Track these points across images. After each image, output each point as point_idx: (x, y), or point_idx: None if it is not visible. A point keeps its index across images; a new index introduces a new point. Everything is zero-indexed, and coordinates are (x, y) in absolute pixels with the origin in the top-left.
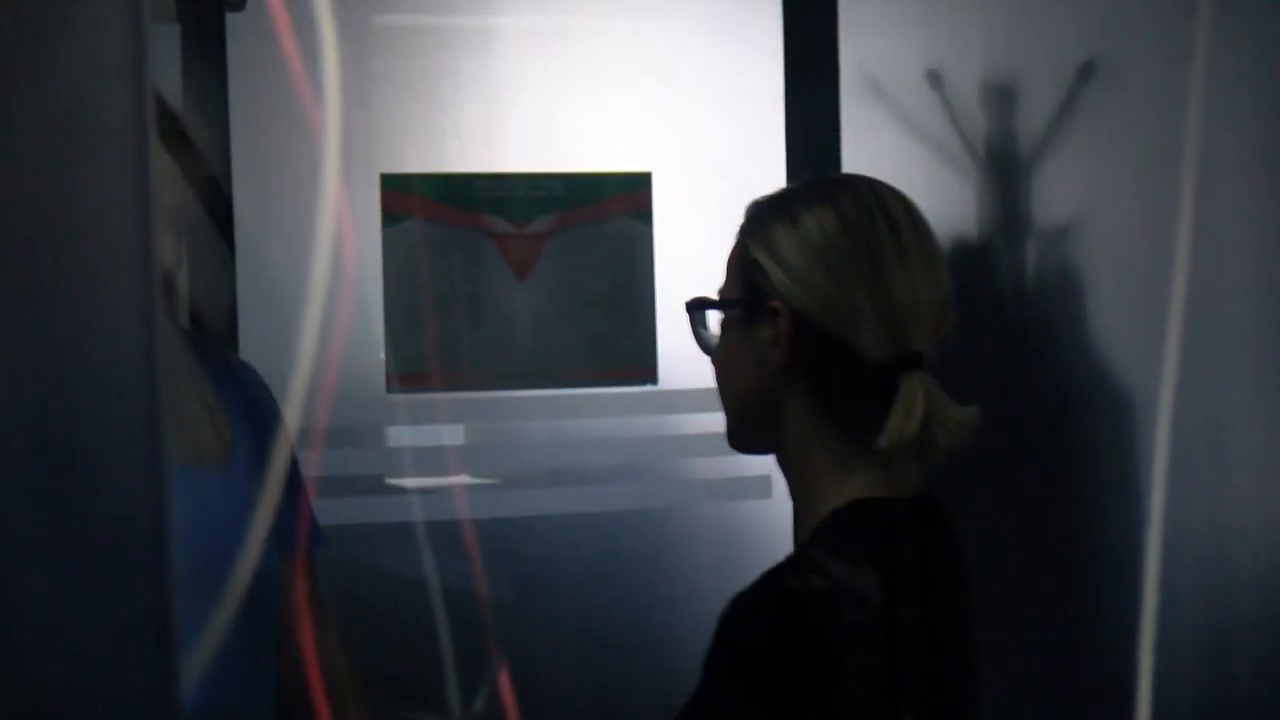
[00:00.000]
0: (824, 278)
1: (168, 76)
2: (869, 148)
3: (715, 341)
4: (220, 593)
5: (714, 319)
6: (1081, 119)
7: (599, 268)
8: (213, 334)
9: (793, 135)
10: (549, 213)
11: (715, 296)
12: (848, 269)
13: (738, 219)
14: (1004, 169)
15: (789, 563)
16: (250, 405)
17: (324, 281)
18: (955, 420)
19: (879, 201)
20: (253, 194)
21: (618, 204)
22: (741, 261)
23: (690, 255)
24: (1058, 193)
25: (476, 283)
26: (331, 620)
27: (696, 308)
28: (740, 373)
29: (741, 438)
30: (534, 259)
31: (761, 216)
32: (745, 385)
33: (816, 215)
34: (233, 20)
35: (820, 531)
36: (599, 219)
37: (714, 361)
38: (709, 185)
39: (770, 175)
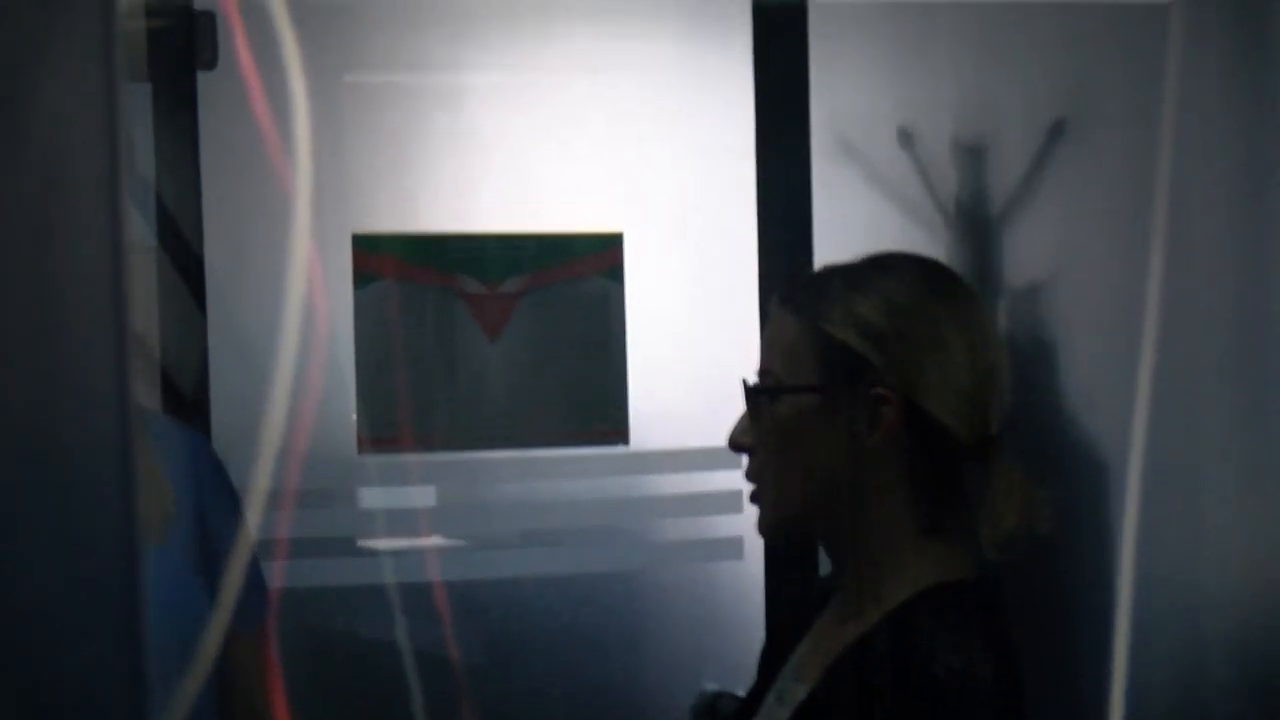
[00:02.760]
0: (928, 359)
1: (140, 135)
2: (840, 206)
3: (775, 426)
4: (159, 667)
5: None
6: (1053, 178)
7: (571, 327)
8: (183, 395)
9: (764, 193)
10: (520, 272)
11: (763, 375)
12: (947, 349)
13: (709, 277)
14: (975, 228)
15: (929, 642)
16: (196, 477)
17: (295, 342)
18: (1044, 512)
19: (949, 278)
20: (224, 253)
21: (590, 263)
22: (819, 344)
23: (662, 314)
24: (1029, 251)
25: (448, 343)
26: (279, 689)
27: (765, 394)
28: (823, 458)
29: (801, 522)
30: (505, 319)
31: (836, 296)
32: (828, 470)
33: (904, 294)
34: (204, 79)
35: (920, 612)
36: (571, 278)
37: (775, 445)
38: (680, 244)
39: (741, 234)
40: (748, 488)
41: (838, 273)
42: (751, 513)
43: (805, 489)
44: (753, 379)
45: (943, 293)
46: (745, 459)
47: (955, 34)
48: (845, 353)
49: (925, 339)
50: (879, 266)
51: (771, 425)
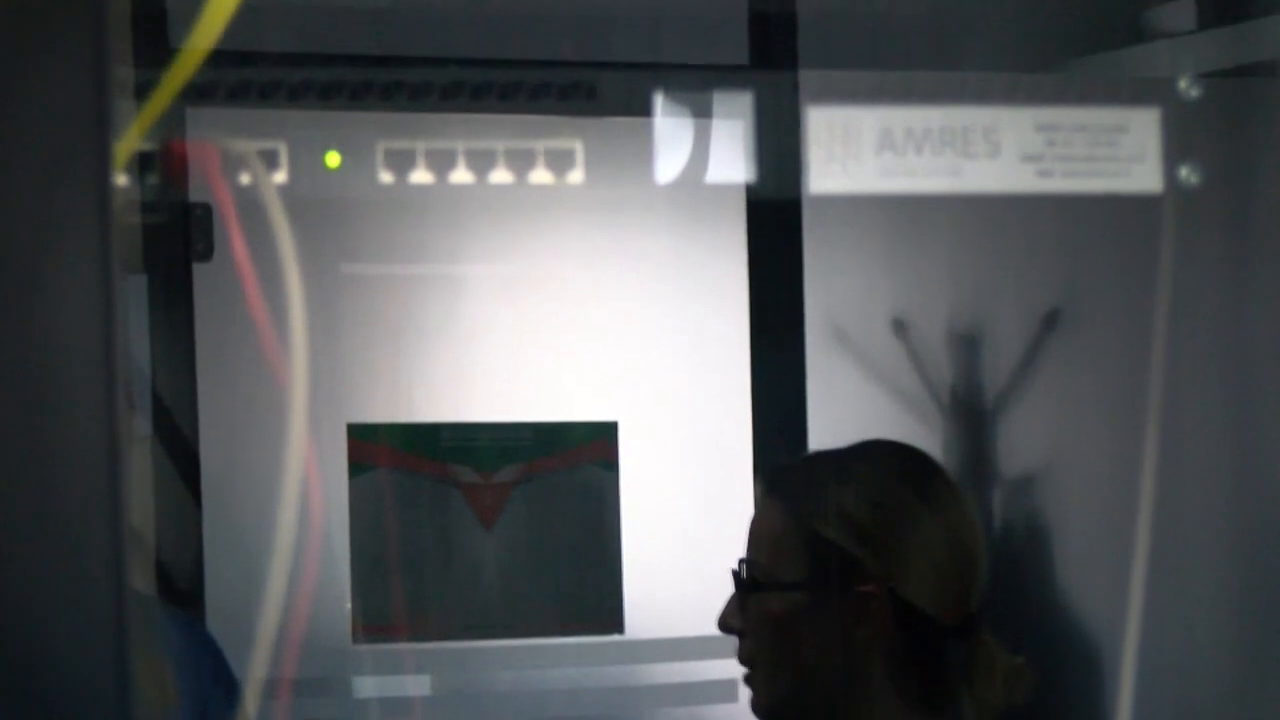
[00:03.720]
0: (913, 552)
1: (135, 326)
2: (835, 395)
3: (763, 618)
4: None
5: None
6: (1047, 367)
7: (566, 517)
8: (178, 584)
9: (758, 383)
10: (516, 462)
11: (750, 565)
12: (930, 540)
13: (703, 467)
14: (969, 417)
15: None
16: (196, 665)
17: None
18: (1025, 681)
19: (930, 467)
20: (219, 444)
21: (584, 453)
22: (806, 540)
23: (657, 503)
24: (1023, 441)
25: (443, 532)
26: None
27: (755, 589)
28: (811, 649)
29: (793, 705)
30: (500, 508)
31: (823, 491)
32: (816, 659)
33: (888, 487)
34: (200, 270)
35: None
36: (565, 468)
37: (763, 635)
38: (675, 433)
39: (736, 423)
40: (740, 670)
41: (822, 463)
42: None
43: (795, 676)
44: (740, 563)
45: (925, 483)
46: (736, 640)
47: (949, 225)
48: (833, 550)
49: (910, 532)
50: (862, 458)
51: (760, 617)
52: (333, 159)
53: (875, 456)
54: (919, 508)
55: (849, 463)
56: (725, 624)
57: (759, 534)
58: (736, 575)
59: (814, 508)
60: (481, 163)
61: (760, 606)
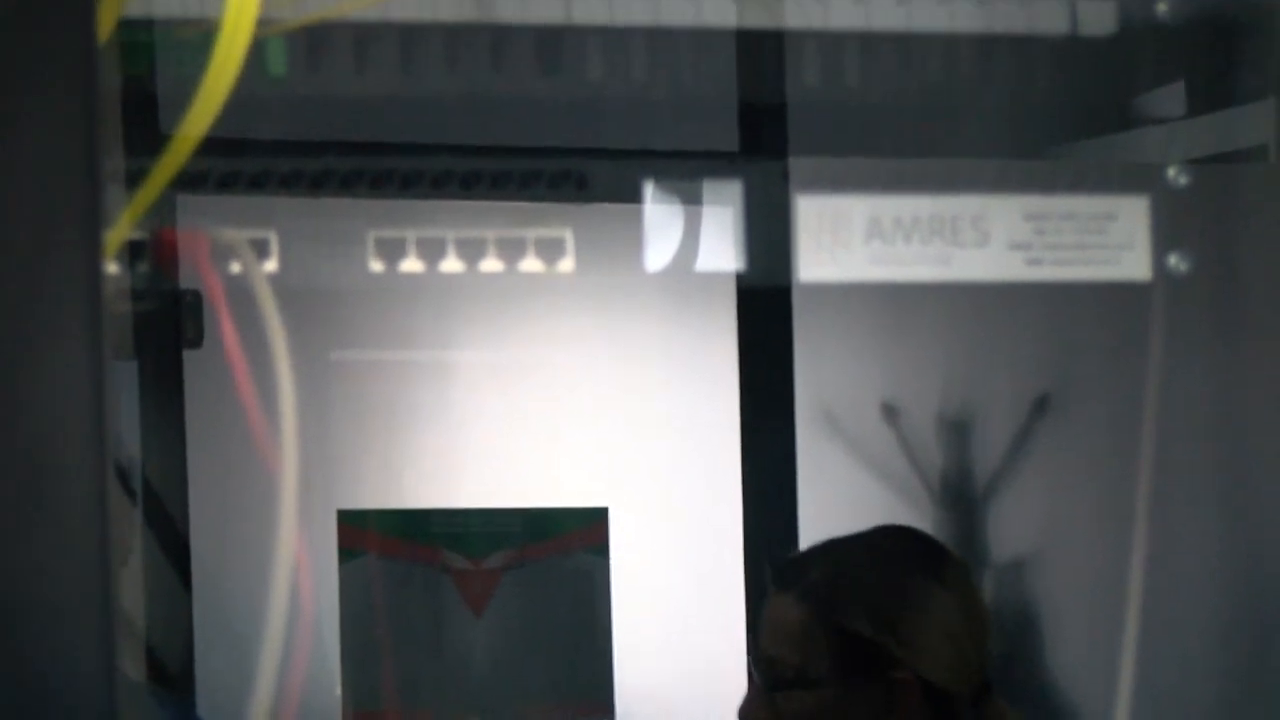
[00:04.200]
0: (934, 635)
1: (125, 412)
2: (825, 481)
3: (799, 712)
4: None
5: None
6: (1037, 452)
7: (556, 603)
8: (168, 672)
9: (749, 467)
10: (506, 548)
11: (770, 663)
12: (950, 619)
13: (694, 552)
14: (959, 502)
15: None
16: None
17: (281, 617)
18: None
19: (939, 550)
20: (209, 531)
21: (575, 539)
22: (829, 633)
23: (648, 589)
24: (1013, 526)
25: (433, 618)
26: None
27: (784, 686)
28: None
29: None
30: (491, 595)
31: (841, 583)
32: None
33: (905, 573)
34: (190, 357)
35: None
36: (556, 554)
37: None
38: (666, 519)
39: (726, 509)
40: None
41: (835, 554)
42: None
43: None
44: (757, 658)
45: (937, 564)
46: None
47: (938, 310)
48: (860, 641)
49: (929, 614)
50: (873, 546)
51: (792, 714)
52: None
53: (884, 544)
54: (935, 589)
55: (861, 552)
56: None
57: (778, 628)
58: (758, 671)
59: (835, 600)
60: (472, 251)
61: (791, 703)
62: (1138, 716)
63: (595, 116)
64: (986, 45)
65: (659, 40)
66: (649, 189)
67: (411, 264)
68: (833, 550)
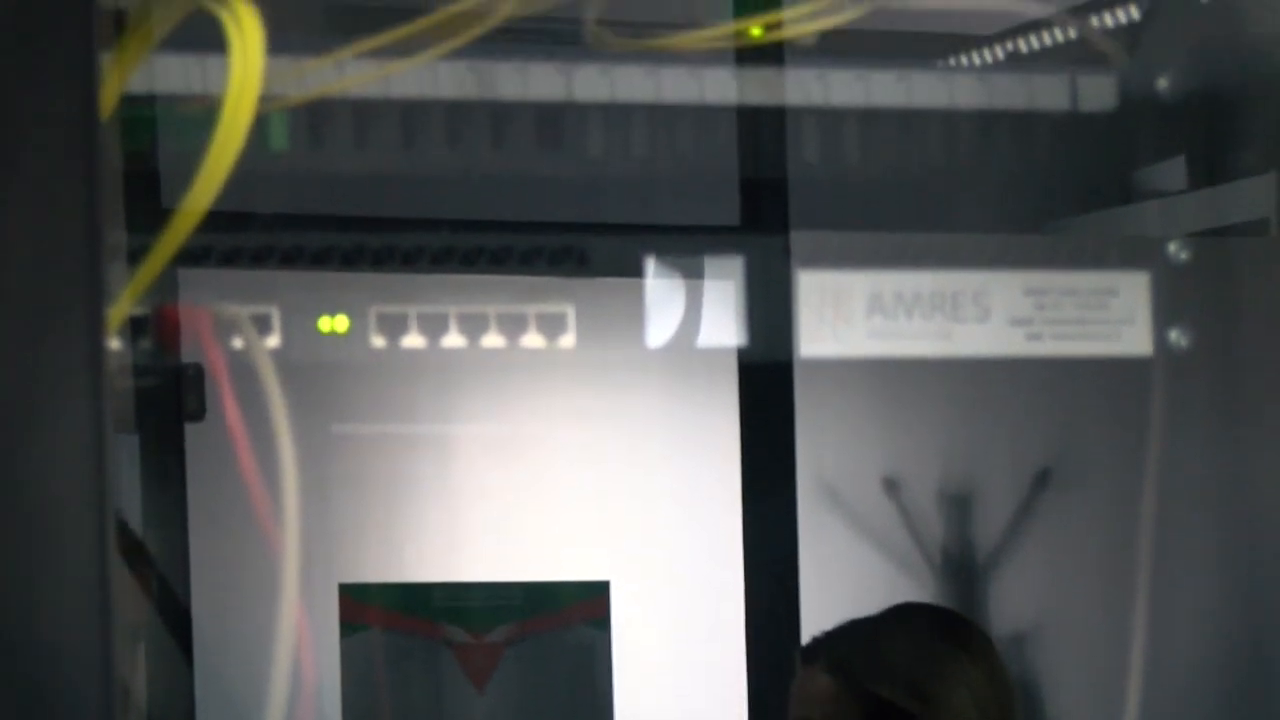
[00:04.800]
0: (965, 702)
1: (126, 486)
2: (827, 554)
3: None
4: None
5: None
6: (1038, 526)
7: (558, 677)
8: None
9: (750, 541)
10: (508, 622)
11: None
12: (977, 687)
13: (696, 626)
14: (960, 576)
15: None
16: None
17: (283, 691)
18: None
19: (962, 621)
20: (211, 604)
21: (576, 613)
22: (863, 704)
23: (650, 663)
24: (1015, 600)
25: (435, 693)
26: None
27: None
28: None
29: None
30: (493, 669)
31: (873, 654)
32: None
33: (934, 644)
34: (192, 430)
35: None
36: (558, 628)
37: None
38: (668, 592)
39: (728, 582)
40: None
41: (864, 629)
42: None
43: None
44: None
45: (963, 636)
46: None
47: (940, 384)
48: (889, 709)
49: (957, 683)
50: (901, 620)
51: None
52: (341, 323)
53: (910, 617)
54: (962, 658)
55: (888, 624)
56: None
57: (808, 698)
58: None
59: (865, 668)
60: (473, 326)
61: None
62: None
63: (596, 191)
64: (987, 120)
65: (660, 116)
66: (650, 264)
67: (413, 340)
68: (859, 625)
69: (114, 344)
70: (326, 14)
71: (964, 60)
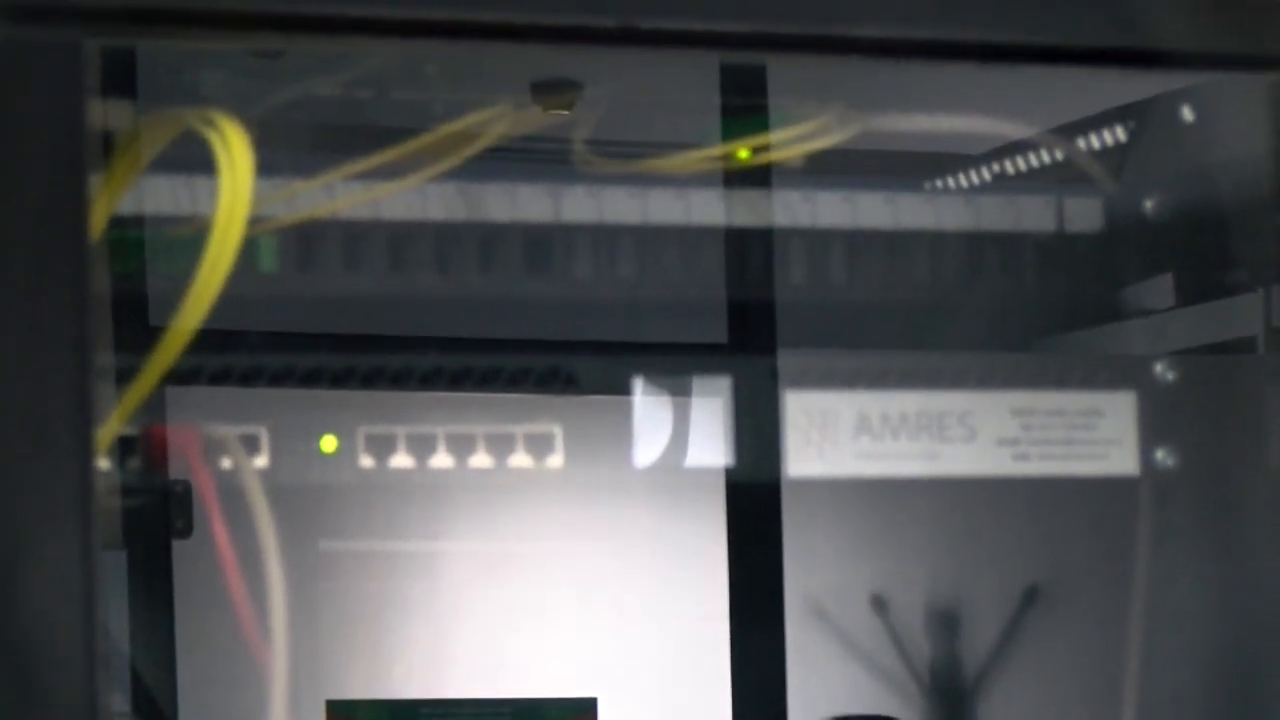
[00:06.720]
0: None
1: (114, 602)
2: (814, 672)
3: None
4: None
5: None
6: (1026, 644)
7: None
8: None
9: (738, 659)
10: None
11: None
12: None
13: None
14: (948, 694)
15: None
16: None
17: None
18: None
19: None
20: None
21: None
22: None
23: None
24: (1003, 717)
25: None
26: None
27: None
28: None
29: None
30: None
31: None
32: None
33: None
34: (179, 547)
35: None
36: None
37: None
38: (655, 709)
39: (716, 699)
40: None
41: None
42: None
43: None
44: None
45: None
46: None
47: (927, 504)
48: None
49: None
50: None
51: None
52: (328, 443)
53: None
54: None
55: None
56: None
57: None
58: None
59: None
60: (462, 446)
61: None
62: None
63: (584, 311)
64: (974, 242)
65: (648, 238)
66: (638, 383)
67: (401, 460)
68: None
69: (102, 463)
70: (315, 135)
71: (951, 181)
